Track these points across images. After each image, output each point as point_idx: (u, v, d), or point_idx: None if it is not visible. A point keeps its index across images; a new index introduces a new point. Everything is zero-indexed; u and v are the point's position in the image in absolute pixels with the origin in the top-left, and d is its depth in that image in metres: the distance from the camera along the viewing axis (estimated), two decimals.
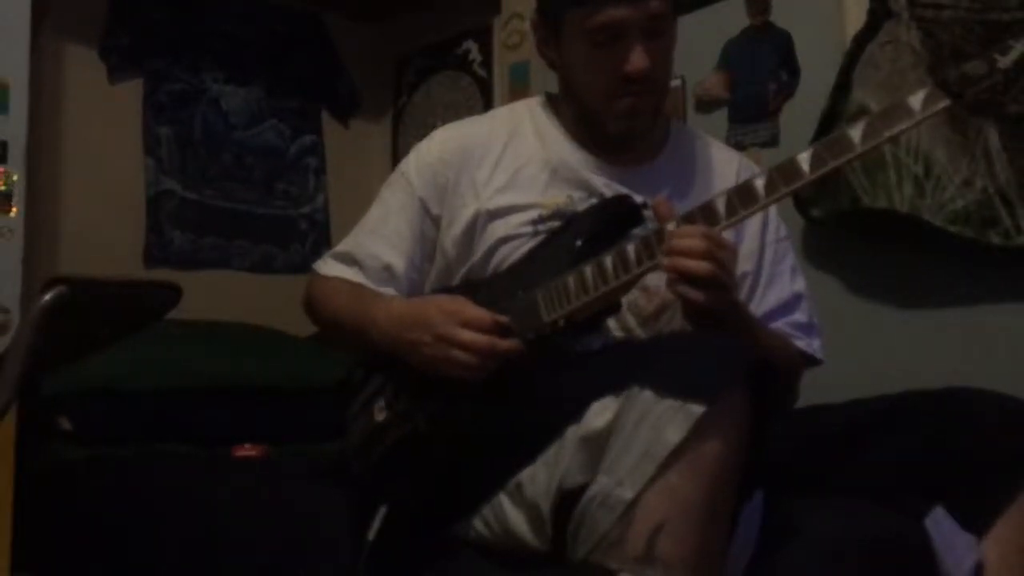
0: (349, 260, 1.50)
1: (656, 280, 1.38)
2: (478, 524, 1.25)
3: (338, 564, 1.39)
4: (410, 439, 1.31)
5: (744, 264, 1.42)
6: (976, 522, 1.16)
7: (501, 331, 1.24)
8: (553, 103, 1.51)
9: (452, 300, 1.29)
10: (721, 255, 1.15)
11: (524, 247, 1.38)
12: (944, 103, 1.14)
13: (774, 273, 1.46)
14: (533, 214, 1.39)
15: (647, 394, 1.02)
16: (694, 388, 1.01)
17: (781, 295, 1.45)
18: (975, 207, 1.91)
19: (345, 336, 1.48)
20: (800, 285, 1.47)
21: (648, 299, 1.38)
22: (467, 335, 1.23)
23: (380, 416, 1.36)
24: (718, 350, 1.09)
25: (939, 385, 1.25)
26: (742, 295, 1.40)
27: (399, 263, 1.46)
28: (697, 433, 0.99)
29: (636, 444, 1.01)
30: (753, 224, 1.44)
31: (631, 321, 1.38)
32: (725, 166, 1.49)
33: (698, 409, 0.99)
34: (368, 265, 1.47)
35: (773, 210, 1.46)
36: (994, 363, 1.90)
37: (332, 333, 1.54)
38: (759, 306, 1.43)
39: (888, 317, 2.07)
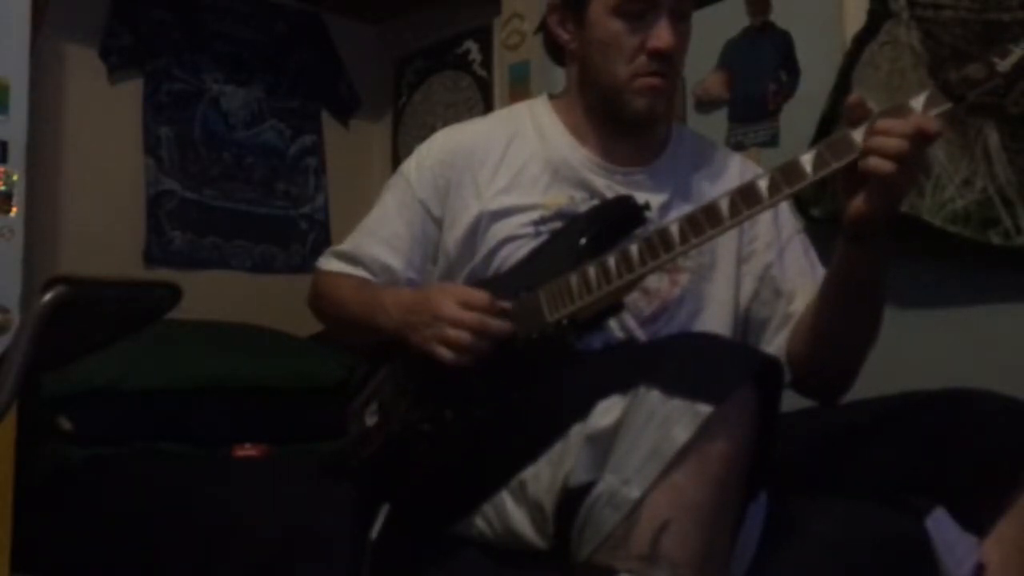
0: (351, 260, 1.51)
1: (656, 282, 1.38)
2: (479, 522, 1.25)
3: (338, 564, 1.39)
4: (412, 437, 1.31)
5: (767, 254, 1.44)
6: (977, 523, 1.15)
7: (498, 314, 1.25)
8: (556, 103, 1.51)
9: (455, 285, 1.30)
10: (920, 141, 1.14)
11: (526, 247, 1.38)
12: (946, 106, 1.15)
13: (814, 261, 1.47)
14: (535, 215, 1.40)
15: (655, 393, 1.02)
16: (702, 388, 1.00)
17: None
18: (975, 207, 1.90)
19: (350, 326, 1.47)
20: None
21: (648, 300, 1.39)
22: (459, 311, 1.24)
23: (382, 414, 1.36)
24: (726, 350, 1.09)
25: (939, 385, 1.25)
26: (769, 283, 1.43)
27: (398, 264, 1.47)
28: (705, 433, 0.99)
29: (643, 443, 1.01)
30: (764, 218, 1.44)
31: (631, 322, 1.38)
32: (727, 168, 1.50)
33: (706, 409, 0.99)
34: (370, 266, 1.49)
35: (784, 204, 1.46)
36: (994, 363, 1.90)
37: (337, 324, 1.54)
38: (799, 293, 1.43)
39: (888, 317, 2.04)
